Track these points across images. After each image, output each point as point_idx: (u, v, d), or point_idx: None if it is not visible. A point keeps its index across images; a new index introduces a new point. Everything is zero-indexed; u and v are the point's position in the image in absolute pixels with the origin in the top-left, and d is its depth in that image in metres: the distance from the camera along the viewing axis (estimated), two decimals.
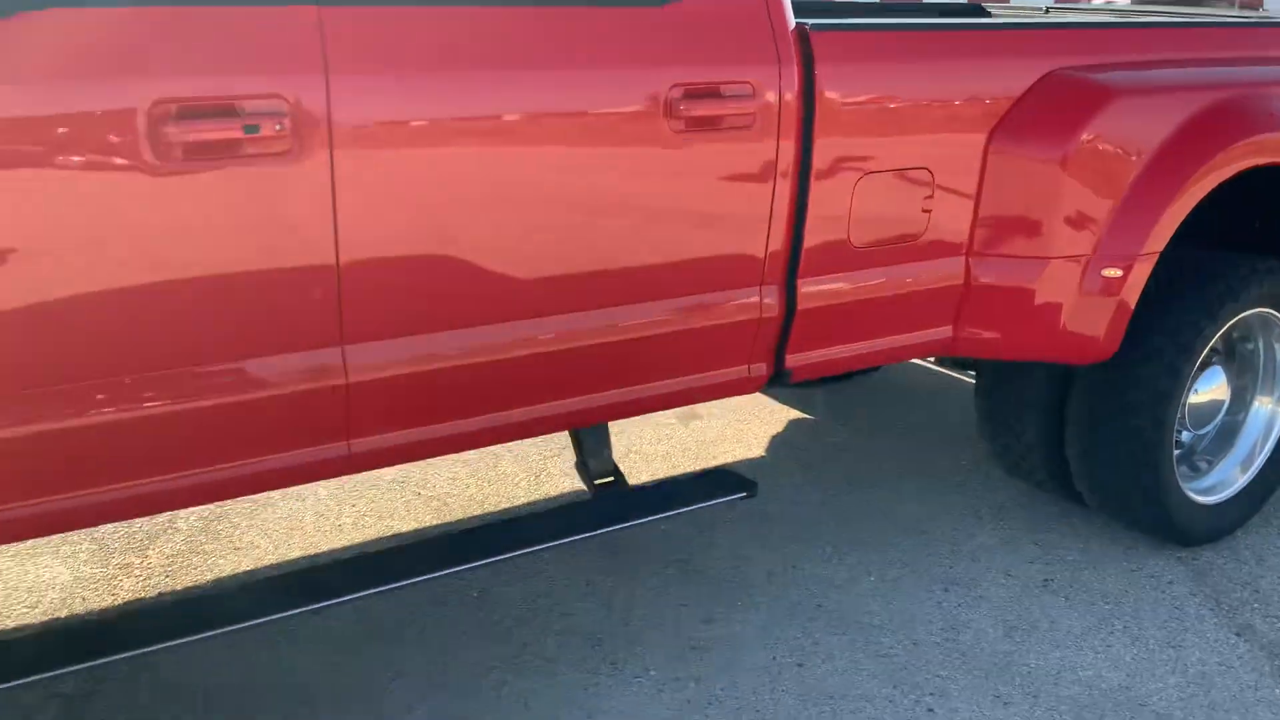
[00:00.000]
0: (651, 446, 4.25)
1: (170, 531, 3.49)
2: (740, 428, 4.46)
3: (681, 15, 2.46)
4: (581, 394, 2.55)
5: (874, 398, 4.81)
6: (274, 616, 2.28)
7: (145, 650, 2.18)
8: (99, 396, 1.97)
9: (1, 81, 1.79)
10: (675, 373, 2.68)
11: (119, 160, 1.89)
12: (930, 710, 2.74)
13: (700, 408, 4.63)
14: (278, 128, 2.00)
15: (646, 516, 2.78)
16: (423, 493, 3.82)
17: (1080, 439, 3.49)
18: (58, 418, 1.93)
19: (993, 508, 3.80)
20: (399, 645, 2.95)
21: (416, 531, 3.57)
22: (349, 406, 2.24)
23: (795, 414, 4.62)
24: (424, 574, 2.45)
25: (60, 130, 1.85)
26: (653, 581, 3.29)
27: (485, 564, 2.56)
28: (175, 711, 2.66)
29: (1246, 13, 7.33)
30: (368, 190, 2.12)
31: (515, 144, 2.29)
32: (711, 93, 2.49)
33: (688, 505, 2.84)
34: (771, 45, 2.56)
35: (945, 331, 3.16)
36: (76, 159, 1.86)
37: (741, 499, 2.92)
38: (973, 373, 3.91)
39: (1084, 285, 3.10)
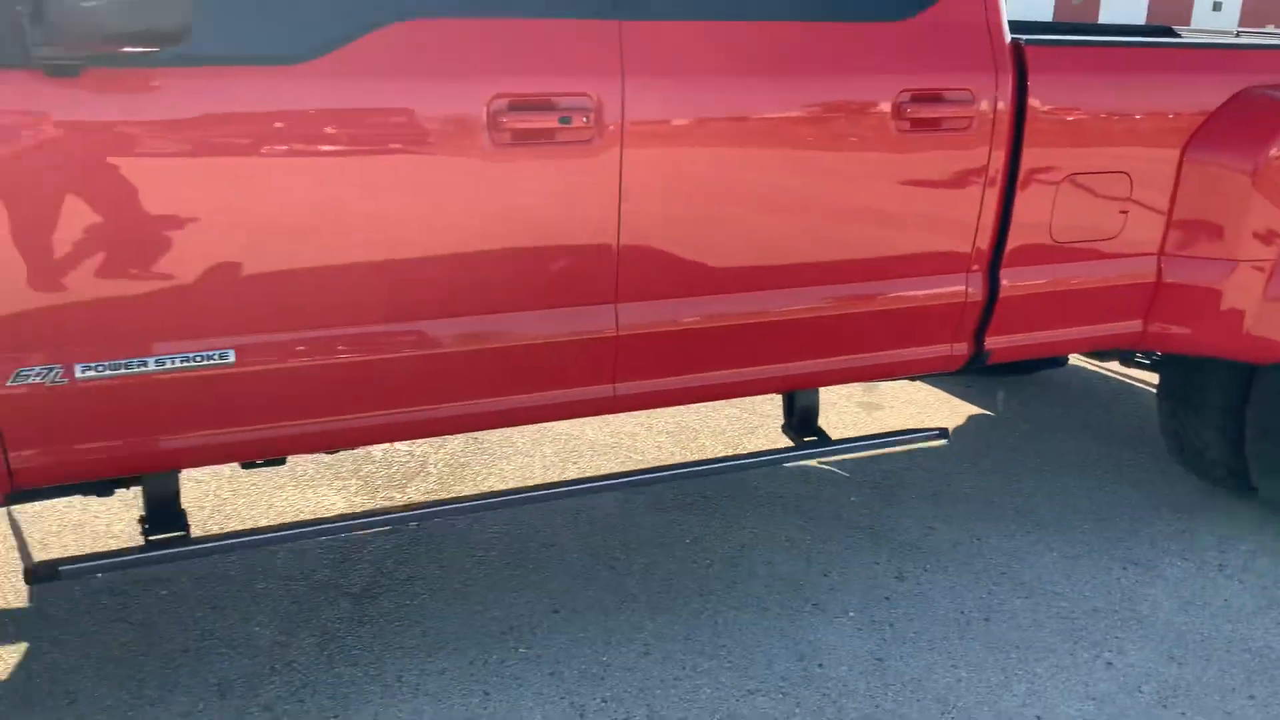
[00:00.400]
0: (837, 433, 4.59)
1: (423, 474, 4.01)
2: (922, 418, 4.76)
3: (911, 30, 2.82)
4: (808, 358, 2.94)
5: (1051, 397, 5.04)
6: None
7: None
8: (442, 334, 2.46)
9: (367, 77, 2.28)
10: (889, 346, 3.04)
11: (465, 137, 2.37)
12: (1109, 664, 3.02)
13: (884, 399, 4.95)
14: (584, 120, 2.45)
15: (850, 448, 3.15)
16: (632, 456, 4.25)
17: (1261, 438, 3.68)
18: (417, 346, 2.43)
19: (1170, 502, 4.00)
20: (628, 576, 3.37)
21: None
22: (617, 355, 2.68)
23: (975, 409, 4.89)
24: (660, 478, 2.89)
25: (416, 119, 2.34)
26: (847, 541, 3.64)
27: (711, 470, 2.99)
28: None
29: None
30: (648, 174, 2.56)
31: (768, 140, 2.70)
32: (937, 96, 2.85)
33: (888, 443, 3.20)
34: (990, 56, 2.90)
35: (1135, 325, 3.42)
36: (442, 143, 2.35)
37: (936, 440, 3.27)
38: (1150, 375, 4.12)
39: (1268, 290, 3.32)
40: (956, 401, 4.97)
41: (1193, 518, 3.89)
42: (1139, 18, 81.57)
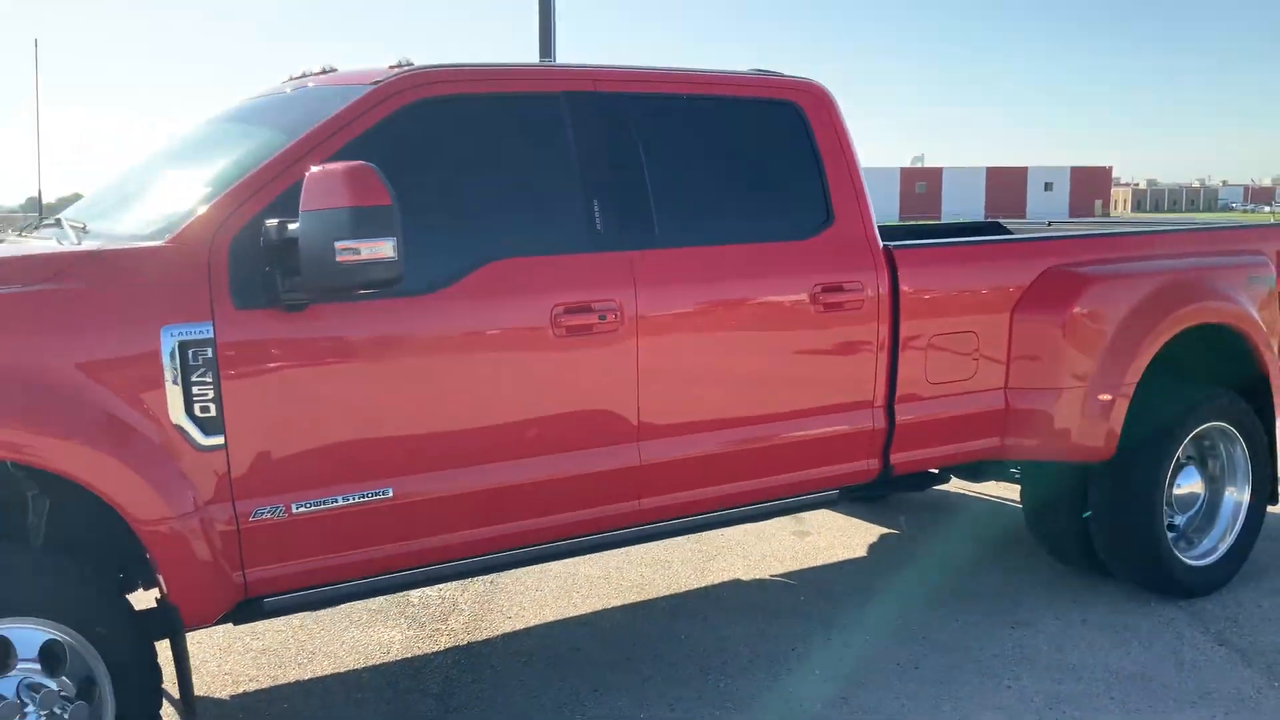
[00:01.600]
0: (783, 551, 5.69)
1: (457, 611, 4.95)
2: (846, 538, 5.91)
3: (819, 245, 4.12)
4: (773, 475, 4.07)
5: (943, 517, 6.26)
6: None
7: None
8: (523, 471, 3.53)
9: (479, 298, 3.43)
10: (827, 463, 4.21)
11: (538, 333, 3.52)
12: (1008, 687, 4.10)
13: (812, 528, 6.10)
14: (613, 317, 3.63)
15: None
16: (619, 584, 5.26)
17: (1098, 523, 4.92)
18: (508, 478, 3.49)
19: (1043, 581, 5.17)
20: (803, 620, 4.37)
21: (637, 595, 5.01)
22: (641, 478, 3.78)
23: (885, 529, 6.07)
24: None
25: (507, 323, 3.49)
26: (807, 627, 4.70)
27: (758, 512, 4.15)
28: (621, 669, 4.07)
29: (1192, 220, 8.91)
30: (655, 350, 3.74)
31: (728, 322, 3.92)
32: (834, 286, 4.12)
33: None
34: (871, 259, 4.21)
35: (995, 441, 4.66)
36: (523, 338, 3.50)
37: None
38: (1014, 491, 5.36)
39: (1085, 408, 4.62)
40: (869, 526, 6.14)
41: (1060, 589, 5.06)
42: (978, 197, 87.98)
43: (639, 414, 3.75)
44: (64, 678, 2.88)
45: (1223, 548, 5.09)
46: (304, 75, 4.08)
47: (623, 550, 5.50)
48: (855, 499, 5.95)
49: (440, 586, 5.17)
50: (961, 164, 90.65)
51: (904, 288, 4.29)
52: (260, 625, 4.67)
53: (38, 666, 2.84)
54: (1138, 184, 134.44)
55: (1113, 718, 3.87)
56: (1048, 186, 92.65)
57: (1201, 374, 5.08)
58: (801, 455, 4.15)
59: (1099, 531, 4.94)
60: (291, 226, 3.01)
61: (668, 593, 5.21)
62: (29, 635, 2.83)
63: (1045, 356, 4.63)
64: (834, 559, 5.66)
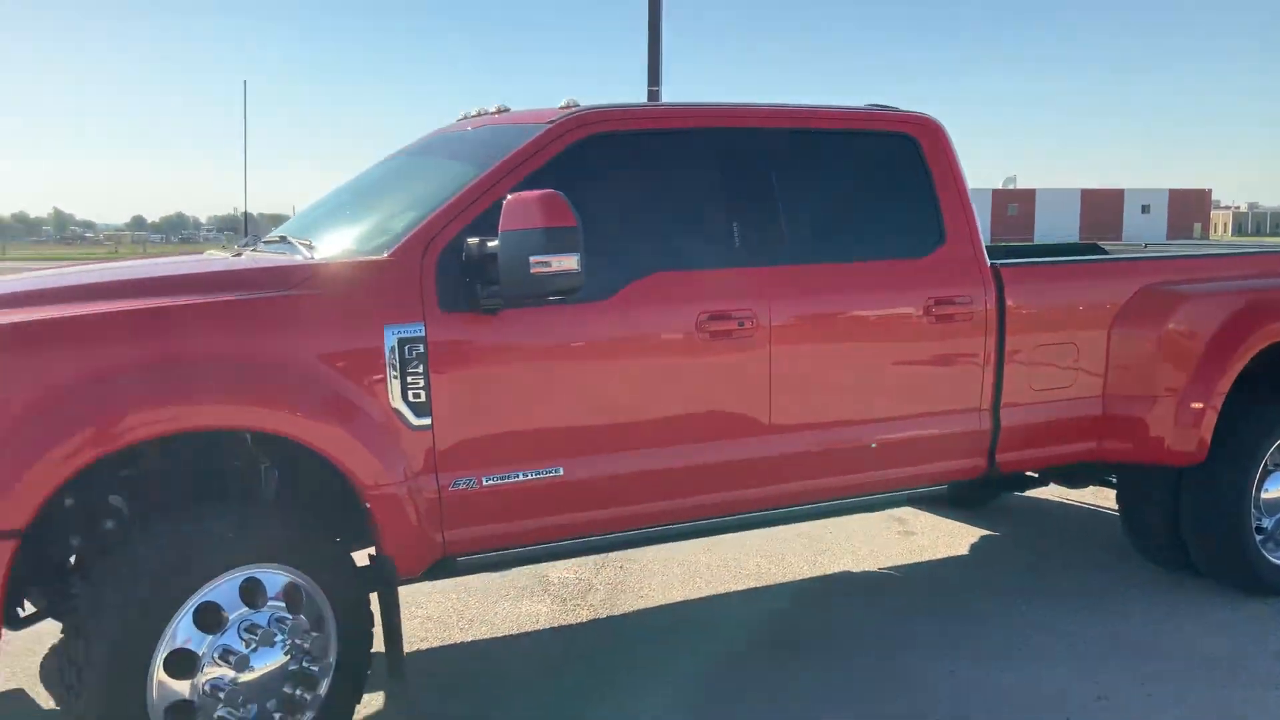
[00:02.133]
0: (889, 549, 6.13)
1: (594, 590, 5.50)
2: (950, 539, 6.33)
3: (932, 263, 4.60)
4: (888, 469, 4.54)
5: (1041, 522, 6.64)
6: None
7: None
8: (676, 457, 4.06)
9: (639, 305, 3.97)
10: (938, 460, 4.66)
11: (686, 338, 4.05)
12: (1122, 666, 4.50)
13: (916, 528, 6.52)
14: (750, 324, 4.14)
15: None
16: (736, 573, 5.75)
17: (1190, 525, 5.28)
18: (664, 462, 4.03)
19: (1138, 579, 5.54)
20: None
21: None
22: (772, 467, 4.28)
23: (985, 531, 6.47)
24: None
25: (661, 328, 4.03)
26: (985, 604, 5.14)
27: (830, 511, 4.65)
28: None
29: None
30: (786, 354, 4.24)
31: (851, 330, 4.41)
32: (947, 300, 4.58)
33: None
34: (979, 276, 4.67)
35: (1093, 445, 5.07)
36: (674, 341, 4.03)
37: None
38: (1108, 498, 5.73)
39: (1178, 415, 4.99)
40: (970, 528, 6.55)
41: (1152, 587, 5.43)
42: (1073, 219, 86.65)
43: (771, 411, 4.25)
44: (301, 615, 3.47)
45: None
46: (480, 114, 4.69)
47: (738, 542, 6.03)
48: (961, 498, 6.40)
49: (576, 569, 5.72)
50: (1055, 185, 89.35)
51: (1009, 302, 4.74)
52: (423, 596, 5.26)
53: (282, 604, 3.43)
54: (1238, 206, 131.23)
55: (1201, 691, 4.25)
56: (1145, 209, 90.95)
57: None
58: (914, 452, 4.61)
59: (1190, 532, 5.29)
60: (490, 244, 3.58)
61: (784, 580, 5.69)
62: (275, 578, 3.43)
63: (1141, 367, 5.02)
64: (937, 555, 6.08)
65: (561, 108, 4.24)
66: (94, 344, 3.24)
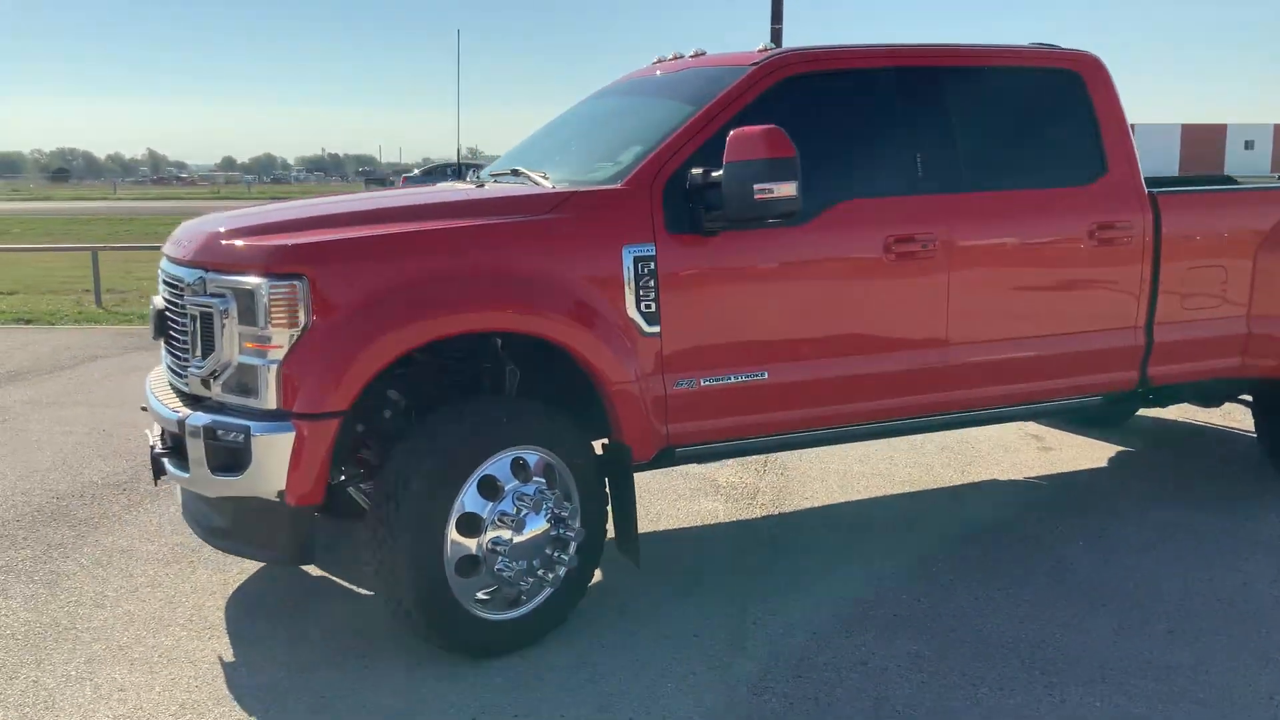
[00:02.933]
0: (1031, 461, 6.58)
1: (760, 493, 6.06)
2: (1085, 454, 6.75)
3: (1097, 190, 4.99)
4: (1051, 379, 4.99)
5: (1170, 439, 7.02)
6: None
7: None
8: (868, 365, 4.57)
9: (835, 229, 4.46)
10: (1096, 372, 5.09)
11: (875, 259, 4.53)
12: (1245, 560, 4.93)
13: (1054, 444, 6.95)
14: (932, 246, 4.61)
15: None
16: (889, 478, 6.26)
17: None
18: (858, 369, 4.54)
19: (1270, 487, 5.92)
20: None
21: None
22: (948, 376, 4.75)
23: (1119, 447, 6.88)
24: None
25: (855, 248, 4.51)
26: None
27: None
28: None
29: None
30: (962, 274, 4.70)
31: (1021, 252, 4.85)
32: (1109, 225, 4.98)
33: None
34: (1139, 203, 5.05)
35: (1236, 361, 5.45)
36: (864, 261, 4.52)
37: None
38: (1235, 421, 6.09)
39: None
40: (1106, 445, 6.95)
41: None
42: (1172, 155, 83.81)
43: (948, 325, 4.72)
44: (556, 490, 4.08)
45: None
46: (676, 57, 5.19)
47: (887, 456, 6.54)
48: (1096, 417, 6.82)
49: (741, 474, 6.29)
50: (1154, 120, 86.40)
51: (1165, 228, 5.12)
52: None
53: (543, 480, 4.04)
54: None
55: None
56: (1248, 144, 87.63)
57: None
58: (1075, 364, 5.05)
59: None
60: (714, 174, 4.09)
61: (936, 486, 6.19)
62: (536, 458, 4.03)
63: None
64: (1078, 467, 6.51)
65: (760, 50, 4.70)
66: (418, 257, 3.85)
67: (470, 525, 3.87)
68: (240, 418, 3.78)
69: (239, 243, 3.92)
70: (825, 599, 4.53)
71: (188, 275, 3.99)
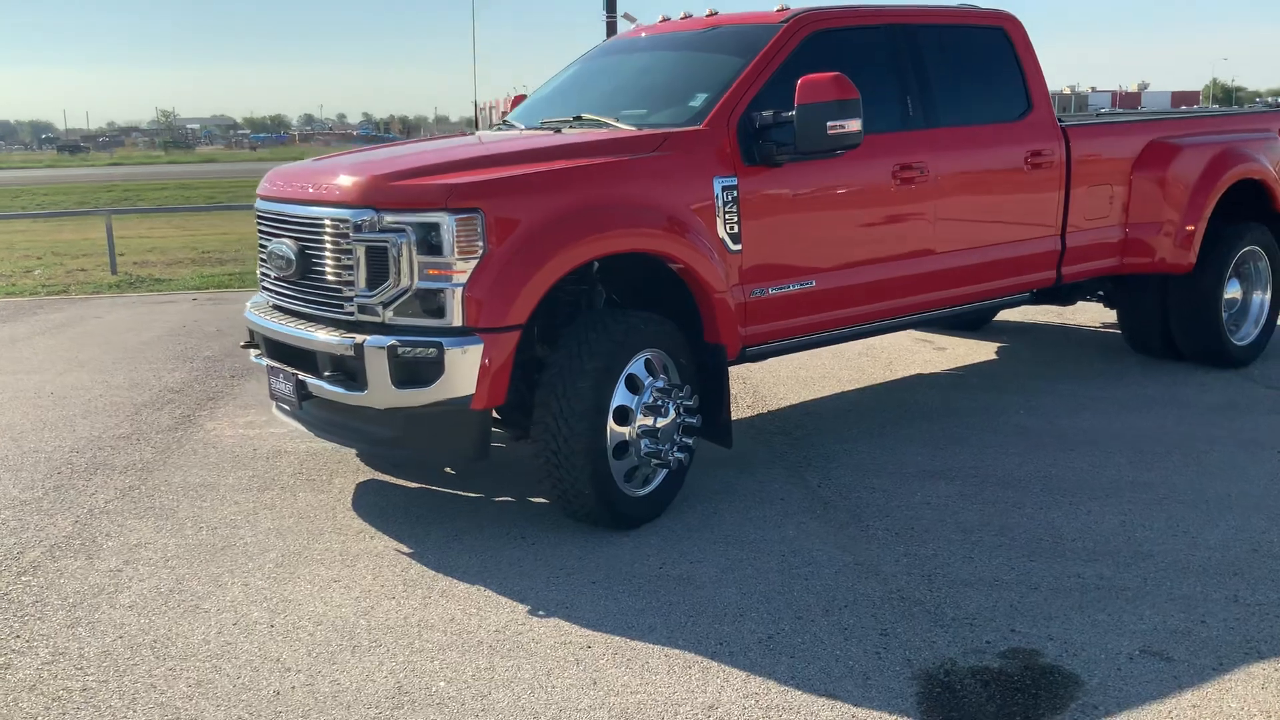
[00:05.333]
0: (935, 359, 7.84)
1: (737, 397, 6.98)
2: (976, 353, 8.09)
3: (1026, 124, 6.20)
4: (1002, 278, 6.18)
5: (1044, 340, 8.49)
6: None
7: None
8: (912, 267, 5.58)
9: (861, 161, 5.41)
10: (1030, 271, 6.33)
11: (886, 184, 5.52)
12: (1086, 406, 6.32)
13: (948, 345, 8.26)
14: (926, 171, 5.65)
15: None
16: (841, 376, 7.34)
17: (1178, 320, 7.16)
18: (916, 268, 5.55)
19: (1138, 361, 7.43)
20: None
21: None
22: (936, 279, 5.83)
23: (998, 344, 8.28)
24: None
25: (869, 177, 5.49)
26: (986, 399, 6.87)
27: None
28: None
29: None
30: (943, 195, 5.77)
31: (984, 176, 5.98)
32: (1038, 153, 6.21)
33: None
34: (1056, 134, 6.30)
35: (1117, 261, 6.85)
36: (879, 186, 5.50)
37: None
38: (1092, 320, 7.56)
39: (1178, 237, 6.82)
40: (985, 343, 8.33)
41: (1154, 368, 7.32)
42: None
43: (935, 237, 5.80)
44: (682, 384, 4.83)
45: (1254, 333, 7.39)
46: (686, 16, 5.99)
47: (821, 361, 7.64)
48: (962, 322, 8.18)
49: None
50: None
51: (1074, 153, 6.40)
52: None
53: (667, 377, 4.80)
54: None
55: (1217, 420, 6.11)
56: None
57: (1241, 213, 7.31)
58: (1019, 266, 6.27)
59: (1178, 325, 7.18)
60: (785, 114, 4.94)
61: (876, 382, 7.32)
62: (662, 358, 4.77)
63: (1151, 202, 6.80)
64: (975, 360, 7.83)
65: (780, 10, 5.57)
66: (559, 192, 4.48)
67: (620, 415, 4.59)
68: (426, 336, 4.33)
69: (413, 182, 4.43)
70: (860, 465, 5.53)
71: (351, 215, 4.45)
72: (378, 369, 4.39)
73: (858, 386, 7.22)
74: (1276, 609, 3.81)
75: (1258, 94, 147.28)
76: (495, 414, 4.65)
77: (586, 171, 4.63)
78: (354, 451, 5.98)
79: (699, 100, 5.20)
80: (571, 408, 4.43)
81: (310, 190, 4.73)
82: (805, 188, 5.24)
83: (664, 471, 4.83)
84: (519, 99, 6.84)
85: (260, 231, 5.19)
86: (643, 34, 6.29)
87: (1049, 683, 3.37)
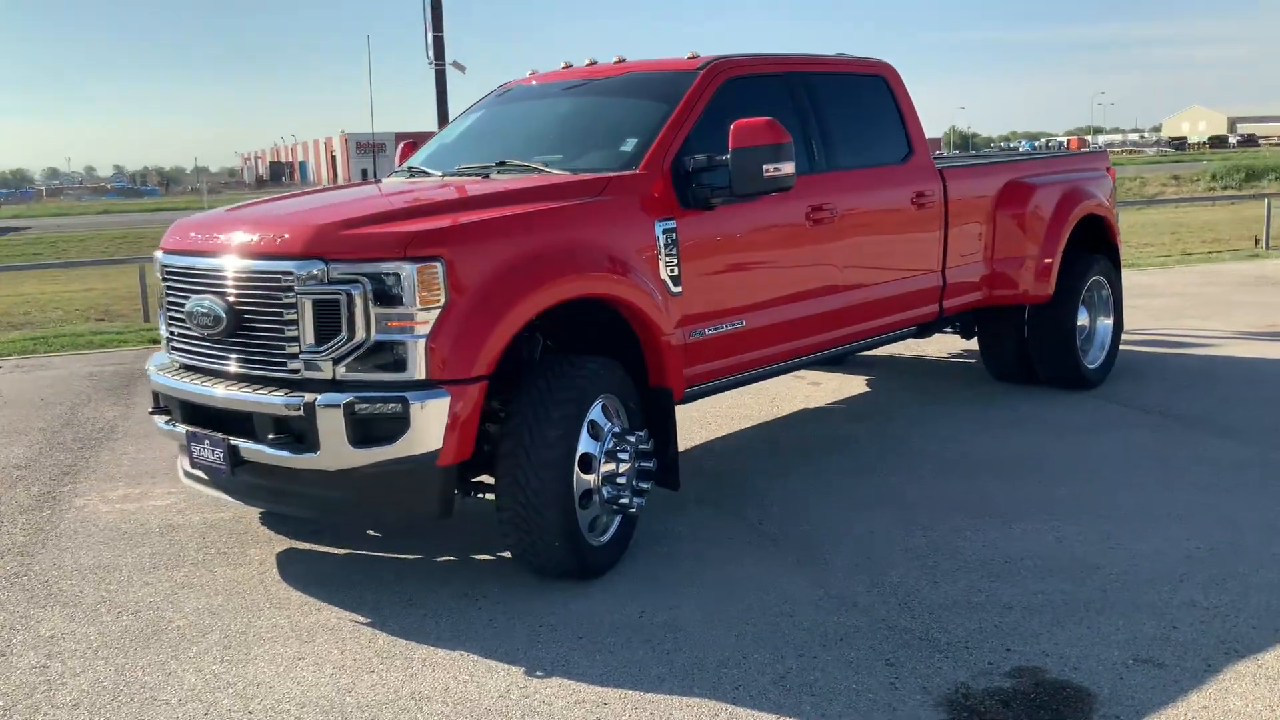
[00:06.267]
0: (814, 395, 8.08)
1: None
2: (845, 388, 8.39)
3: (910, 167, 6.51)
4: (895, 313, 6.44)
5: (912, 370, 8.89)
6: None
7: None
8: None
9: (777, 203, 5.55)
10: (918, 306, 6.62)
11: (800, 224, 5.69)
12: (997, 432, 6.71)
13: (816, 380, 8.53)
14: (830, 213, 5.85)
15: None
16: (738, 413, 7.46)
17: (1037, 347, 7.65)
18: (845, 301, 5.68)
19: (1000, 389, 7.88)
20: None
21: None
22: (842, 317, 6.03)
23: (866, 377, 8.61)
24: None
25: (785, 216, 5.63)
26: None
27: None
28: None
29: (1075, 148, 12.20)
30: (846, 232, 5.98)
31: (877, 215, 6.23)
32: (922, 194, 6.54)
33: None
34: (935, 176, 6.66)
35: (985, 294, 7.26)
36: (795, 226, 5.66)
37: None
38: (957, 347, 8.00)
39: (1037, 270, 7.31)
40: (853, 378, 8.65)
41: (1015, 391, 7.78)
42: None
43: (842, 275, 6.00)
44: (636, 430, 4.78)
45: (1101, 357, 7.98)
46: (592, 64, 6.01)
47: (714, 407, 7.74)
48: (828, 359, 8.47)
49: None
50: None
51: (950, 194, 6.77)
52: None
53: (622, 422, 4.74)
54: None
55: (1093, 437, 6.55)
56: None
57: (1083, 246, 7.89)
58: (911, 301, 6.56)
59: (1037, 352, 7.67)
60: (719, 157, 5.01)
61: (771, 418, 7.47)
62: (613, 403, 4.71)
63: (1012, 237, 7.27)
64: (852, 392, 8.12)
65: (690, 57, 5.67)
66: (518, 238, 4.38)
67: (584, 463, 4.50)
68: (386, 390, 4.14)
69: (365, 231, 4.24)
70: (789, 499, 5.61)
71: (295, 266, 4.21)
72: (331, 428, 4.16)
73: (752, 424, 7.34)
74: (1232, 611, 4.10)
75: (990, 140, 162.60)
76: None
77: (542, 217, 4.55)
78: (256, 518, 5.62)
79: (629, 145, 5.21)
80: (540, 457, 4.32)
81: (237, 241, 4.45)
82: (737, 230, 5.32)
83: (619, 518, 4.76)
84: (409, 146, 6.65)
85: (171, 288, 4.82)
86: (537, 81, 6.27)
87: (1065, 698, 3.51)
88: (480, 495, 4.71)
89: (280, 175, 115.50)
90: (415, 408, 4.10)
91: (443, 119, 17.52)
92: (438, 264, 4.14)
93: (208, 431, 4.57)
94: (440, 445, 4.15)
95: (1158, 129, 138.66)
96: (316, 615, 4.41)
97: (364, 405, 4.13)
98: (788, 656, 3.87)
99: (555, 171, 5.18)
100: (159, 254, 4.94)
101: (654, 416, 4.99)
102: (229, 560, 5.07)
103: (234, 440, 4.45)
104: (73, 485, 6.44)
